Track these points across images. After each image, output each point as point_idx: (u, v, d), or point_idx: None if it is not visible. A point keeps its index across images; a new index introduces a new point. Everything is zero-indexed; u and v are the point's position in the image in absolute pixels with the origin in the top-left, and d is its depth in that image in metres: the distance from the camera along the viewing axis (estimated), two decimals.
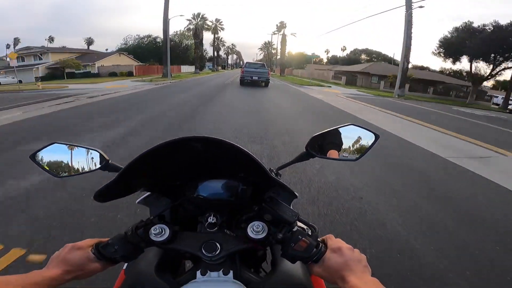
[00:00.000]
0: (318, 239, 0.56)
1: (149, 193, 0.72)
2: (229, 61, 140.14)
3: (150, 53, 48.25)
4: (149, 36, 51.70)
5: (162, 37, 31.89)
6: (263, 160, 3.54)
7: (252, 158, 0.54)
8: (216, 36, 66.61)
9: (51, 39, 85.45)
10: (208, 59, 70.57)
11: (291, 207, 0.62)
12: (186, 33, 50.79)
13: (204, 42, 55.46)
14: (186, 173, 0.68)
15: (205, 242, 0.58)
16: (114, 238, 0.57)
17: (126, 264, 0.68)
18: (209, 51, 67.58)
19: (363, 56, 78.21)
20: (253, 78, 18.06)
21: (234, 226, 0.64)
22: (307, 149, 0.73)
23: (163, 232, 0.57)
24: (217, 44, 71.64)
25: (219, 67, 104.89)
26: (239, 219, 0.64)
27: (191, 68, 51.63)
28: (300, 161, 0.76)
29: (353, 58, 74.55)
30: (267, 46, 79.43)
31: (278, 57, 65.00)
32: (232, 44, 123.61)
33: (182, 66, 48.58)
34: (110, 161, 0.71)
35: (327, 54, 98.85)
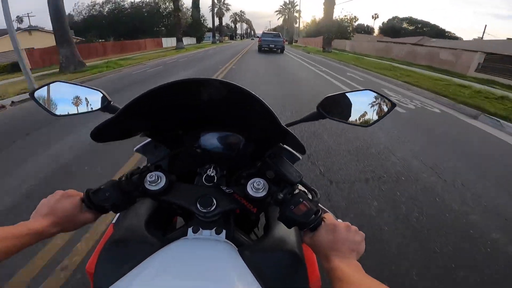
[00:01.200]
0: (320, 206, 0.54)
1: (148, 140, 0.71)
2: (238, 31, 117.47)
3: (111, 26, 33.64)
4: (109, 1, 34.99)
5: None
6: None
7: (266, 108, 0.50)
8: None
9: None
10: (210, 29, 53.16)
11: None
12: None
13: (202, 7, 44.93)
14: (188, 122, 0.67)
15: (201, 196, 0.57)
16: (106, 184, 0.55)
17: (116, 217, 0.66)
18: (208, 19, 49.50)
19: (405, 26, 59.81)
20: (270, 46, 20.10)
21: (233, 182, 0.62)
22: (319, 109, 0.69)
23: (159, 180, 0.55)
24: (218, 8, 51.98)
25: (226, 38, 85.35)
26: (239, 175, 0.61)
27: (187, 40, 39.63)
28: (310, 121, 0.71)
29: (397, 27, 57.27)
30: (287, 7, 58.86)
31: (302, 21, 48.01)
32: (240, 11, 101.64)
33: (166, 39, 34.25)
34: (112, 102, 0.67)
35: (374, 19, 76.13)
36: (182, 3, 37.03)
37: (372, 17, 73.16)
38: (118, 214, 0.68)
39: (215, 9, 53.84)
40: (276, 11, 65.29)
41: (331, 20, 20.72)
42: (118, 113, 0.52)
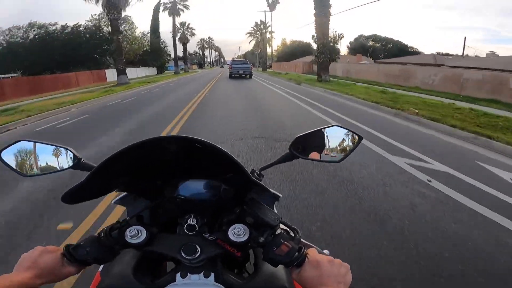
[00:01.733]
0: (301, 243, 0.57)
1: (125, 193, 0.71)
2: (208, 58, 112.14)
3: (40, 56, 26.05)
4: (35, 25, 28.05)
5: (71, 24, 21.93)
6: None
7: (231, 159, 0.53)
8: (179, 21, 45.65)
9: None
10: (179, 58, 48.10)
11: (274, 209, 0.63)
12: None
13: (164, 32, 41.36)
14: (165, 173, 0.68)
15: (184, 244, 0.58)
16: (85, 240, 0.55)
17: (102, 266, 0.66)
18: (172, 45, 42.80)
19: (371, 43, 59.42)
20: (239, 72, 22.66)
21: (216, 229, 0.63)
22: (291, 150, 0.73)
23: (139, 234, 0.56)
24: (182, 33, 45.68)
25: (194, 66, 79.43)
26: (221, 221, 0.63)
27: (144, 71, 35.71)
28: (284, 162, 0.75)
29: (366, 46, 56.61)
30: (259, 28, 53.87)
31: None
32: (209, 37, 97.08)
33: (112, 71, 26.77)
34: (82, 160, 0.68)
35: (340, 39, 72.77)
36: (132, 26, 29.94)
37: (338, 37, 73.76)
38: None
39: (178, 35, 46.83)
40: (248, 33, 57.37)
41: (327, 37, 16.45)
42: (89, 176, 0.53)
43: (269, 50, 54.10)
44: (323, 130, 0.72)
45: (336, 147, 0.75)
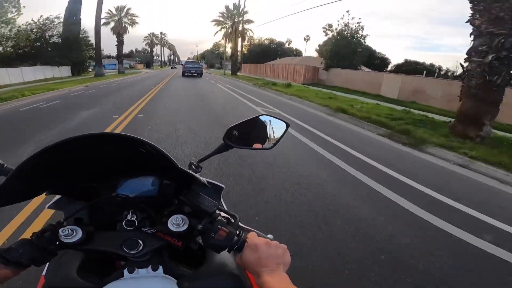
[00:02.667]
0: (241, 228, 0.61)
1: (59, 196, 0.71)
2: (162, 57, 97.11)
3: None
4: None
5: None
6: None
7: (162, 153, 0.54)
8: (114, 3, 36.30)
9: None
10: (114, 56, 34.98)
11: (221, 200, 0.69)
12: None
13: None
14: (100, 173, 0.67)
15: (124, 240, 0.59)
16: (17, 243, 0.55)
17: (46, 267, 0.68)
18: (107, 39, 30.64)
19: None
20: (191, 71, 26.51)
21: (157, 222, 0.64)
22: (225, 140, 0.77)
23: (74, 233, 0.56)
24: (117, 20, 32.24)
25: (140, 65, 65.17)
26: (162, 214, 0.64)
27: (47, 72, 24.98)
28: (219, 153, 0.80)
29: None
30: (230, 15, 37.70)
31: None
32: (161, 33, 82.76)
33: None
34: (5, 165, 0.69)
35: (306, 42, 68.14)
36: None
37: (304, 39, 69.07)
38: (47, 264, 0.67)
39: (111, 23, 33.43)
40: (214, 20, 38.62)
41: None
42: (9, 177, 0.50)
43: (245, 44, 45.05)
44: (253, 119, 0.79)
45: (266, 134, 0.81)
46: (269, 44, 56.14)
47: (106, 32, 34.73)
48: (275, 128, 0.81)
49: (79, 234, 0.57)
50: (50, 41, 26.41)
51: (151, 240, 0.60)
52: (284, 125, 0.82)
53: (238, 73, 34.55)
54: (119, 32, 35.56)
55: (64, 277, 0.62)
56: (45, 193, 0.66)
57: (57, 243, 0.56)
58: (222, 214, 0.65)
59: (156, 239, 0.60)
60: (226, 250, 0.58)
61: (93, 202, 0.65)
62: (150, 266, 0.61)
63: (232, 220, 0.63)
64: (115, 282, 0.58)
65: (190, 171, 0.62)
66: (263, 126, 0.81)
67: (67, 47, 25.67)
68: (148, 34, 79.56)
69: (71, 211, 0.66)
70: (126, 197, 0.65)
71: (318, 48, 31.88)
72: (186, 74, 26.53)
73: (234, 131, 0.79)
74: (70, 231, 0.56)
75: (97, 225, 0.63)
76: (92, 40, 28.31)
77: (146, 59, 78.47)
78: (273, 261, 0.54)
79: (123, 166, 0.66)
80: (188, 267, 0.69)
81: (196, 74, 26.43)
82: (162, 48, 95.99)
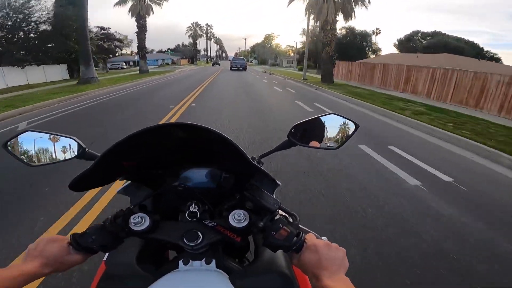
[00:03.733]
0: (299, 228, 0.62)
1: (129, 182, 0.78)
2: (205, 52, 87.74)
3: None
4: None
5: None
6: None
7: (233, 145, 0.59)
8: None
9: None
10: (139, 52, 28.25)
11: (274, 195, 0.69)
12: None
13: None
14: (167, 161, 0.74)
15: (186, 231, 0.63)
16: (91, 228, 0.61)
17: (107, 254, 0.73)
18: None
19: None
20: (237, 66, 33.84)
21: (216, 215, 0.70)
22: (289, 137, 0.79)
23: (143, 221, 0.61)
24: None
25: (183, 61, 56.75)
26: (222, 208, 0.69)
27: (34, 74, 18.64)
28: (282, 149, 0.82)
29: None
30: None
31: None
32: (206, 24, 73.44)
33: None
34: (87, 149, 0.74)
35: (375, 35, 55.60)
36: None
37: (373, 32, 53.68)
38: None
39: (129, 2, 22.59)
40: None
41: None
42: (96, 163, 0.58)
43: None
44: (320, 118, 0.79)
45: (333, 135, 0.80)
46: (347, 34, 41.44)
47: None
48: (343, 128, 0.80)
49: (147, 222, 0.60)
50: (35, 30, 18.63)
51: (211, 233, 0.63)
52: (353, 126, 0.80)
53: (339, 82, 18.76)
54: (139, 13, 24.97)
55: (124, 264, 0.67)
56: (119, 179, 0.73)
57: (126, 230, 0.61)
58: (281, 212, 0.67)
59: (215, 232, 0.63)
60: (282, 249, 0.59)
61: (159, 191, 0.73)
62: (204, 259, 0.64)
63: (291, 220, 0.64)
64: (171, 273, 0.61)
65: (262, 167, 0.65)
66: (330, 125, 0.80)
67: (60, 39, 18.38)
68: (191, 24, 70.32)
69: (137, 197, 0.75)
70: (187, 187, 0.72)
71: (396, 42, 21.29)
72: (233, 68, 34.14)
73: (299, 129, 0.79)
74: (140, 219, 0.60)
75: (159, 212, 0.68)
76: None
77: (190, 54, 69.20)
78: (334, 264, 0.55)
79: (186, 156, 0.72)
80: (235, 261, 0.73)
81: (242, 69, 33.80)
82: (209, 41, 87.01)
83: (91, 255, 0.60)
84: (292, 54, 61.94)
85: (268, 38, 76.72)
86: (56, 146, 0.72)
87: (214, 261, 0.63)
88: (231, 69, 34.02)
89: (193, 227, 0.63)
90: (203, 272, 0.62)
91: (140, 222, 0.60)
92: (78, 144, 0.73)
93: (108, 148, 0.55)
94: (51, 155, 0.73)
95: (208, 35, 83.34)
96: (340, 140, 0.79)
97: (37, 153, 0.72)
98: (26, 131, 0.72)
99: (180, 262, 0.63)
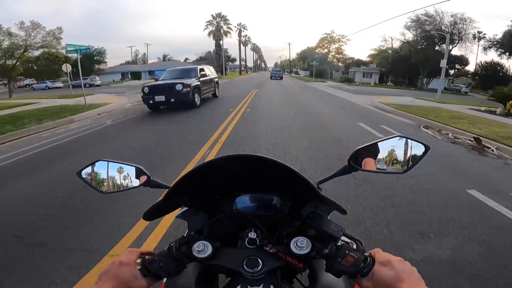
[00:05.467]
0: (365, 254, 0.66)
1: (186, 208, 0.86)
2: (238, 61, 70.09)
3: None
4: None
5: None
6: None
7: (298, 175, 0.64)
8: None
9: None
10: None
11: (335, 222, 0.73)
12: None
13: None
14: (224, 188, 0.81)
15: (246, 258, 0.67)
16: (159, 255, 0.69)
17: (165, 278, 0.81)
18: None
19: None
20: (276, 76, 46.91)
21: (275, 241, 0.75)
22: (350, 162, 0.79)
23: (206, 249, 0.67)
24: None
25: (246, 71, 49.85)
26: (280, 234, 0.74)
27: None
28: (342, 175, 0.83)
29: None
30: None
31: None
32: (239, 24, 56.69)
33: None
34: (151, 178, 0.83)
35: (477, 41, 38.94)
36: None
37: (474, 37, 39.01)
38: None
39: None
40: None
41: None
42: (167, 194, 0.69)
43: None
44: (384, 141, 0.79)
45: (400, 158, 0.78)
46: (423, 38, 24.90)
47: None
48: (412, 152, 0.77)
49: (209, 250, 0.66)
50: None
51: (271, 259, 0.67)
52: (423, 147, 0.78)
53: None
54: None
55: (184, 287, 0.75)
56: (181, 206, 0.84)
57: (190, 256, 0.68)
58: (343, 238, 0.70)
59: (276, 259, 0.68)
60: (348, 275, 0.63)
61: (216, 219, 0.79)
62: (261, 285, 0.66)
63: (355, 246, 0.67)
64: None
65: (331, 199, 0.70)
66: (396, 147, 0.77)
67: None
68: (213, 15, 50.96)
69: (194, 222, 0.81)
70: (244, 213, 0.77)
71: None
72: (272, 77, 46.12)
73: (361, 153, 0.79)
74: (203, 246, 0.66)
75: (216, 237, 0.75)
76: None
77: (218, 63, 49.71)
78: (413, 276, 0.56)
79: (242, 181, 0.78)
80: (292, 286, 0.78)
81: (278, 78, 45.68)
82: (244, 47, 69.93)
83: (157, 281, 0.67)
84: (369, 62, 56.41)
85: (325, 41, 57.00)
86: (123, 175, 0.81)
87: (272, 287, 0.65)
88: (271, 78, 45.69)
89: (253, 254, 0.67)
90: None
91: (203, 249, 0.65)
92: (143, 172, 0.81)
93: (178, 179, 0.66)
94: (119, 183, 0.82)
95: (244, 39, 66.23)
96: (407, 163, 0.77)
97: (107, 181, 0.82)
98: (98, 160, 0.83)
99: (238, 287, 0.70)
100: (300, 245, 0.64)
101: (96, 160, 0.81)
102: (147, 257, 0.68)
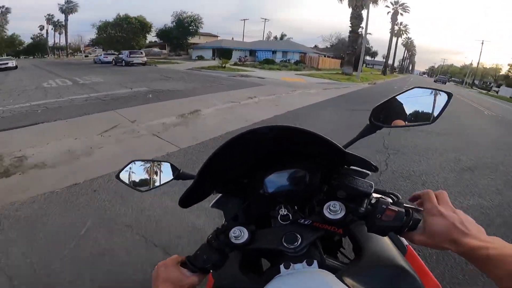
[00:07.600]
0: (405, 205, 0.62)
1: (220, 195, 0.90)
2: (384, 56, 56.20)
3: None
4: None
5: None
6: None
7: (324, 139, 0.63)
8: None
9: None
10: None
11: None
12: None
13: None
14: (251, 169, 0.81)
15: (283, 235, 0.67)
16: (200, 249, 0.69)
17: (211, 271, 0.83)
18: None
19: None
20: (440, 81, 50.79)
21: (308, 213, 0.75)
22: (371, 120, 0.79)
23: (242, 234, 0.68)
24: None
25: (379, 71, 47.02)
26: (311, 205, 0.74)
27: None
28: (366, 135, 0.83)
29: None
30: None
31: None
32: (400, 21, 42.01)
33: None
34: (181, 170, 0.90)
35: None
36: None
37: None
38: None
39: None
40: None
41: None
42: (195, 181, 0.70)
43: None
44: (401, 94, 0.78)
45: (422, 109, 0.77)
46: None
47: None
48: (434, 101, 0.76)
49: (245, 234, 0.66)
50: None
51: (309, 232, 0.67)
52: (445, 95, 0.76)
53: None
54: None
55: (231, 276, 0.73)
56: (213, 192, 0.85)
57: (230, 245, 0.68)
58: (375, 195, 0.67)
59: (313, 230, 0.67)
60: (395, 231, 0.60)
61: (249, 202, 0.80)
62: (305, 261, 0.66)
63: (391, 201, 0.63)
64: (277, 279, 0.64)
65: (360, 156, 0.68)
66: (416, 99, 0.77)
67: None
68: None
69: (229, 209, 0.84)
70: (275, 192, 0.75)
71: None
72: (436, 81, 48.90)
73: (380, 110, 0.79)
74: (239, 232, 0.66)
75: (252, 221, 0.75)
76: None
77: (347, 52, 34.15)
78: (474, 225, 0.52)
79: (268, 161, 0.77)
80: (336, 259, 0.76)
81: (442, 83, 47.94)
82: (396, 38, 53.46)
83: (205, 275, 0.69)
84: None
85: None
86: (155, 171, 0.89)
87: (315, 261, 0.65)
88: (434, 82, 48.39)
89: (289, 230, 0.67)
90: (308, 273, 0.63)
91: (239, 235, 0.66)
92: (173, 166, 0.88)
93: (203, 164, 0.66)
94: (153, 180, 0.89)
95: (398, 27, 49.74)
96: (432, 112, 0.76)
97: (143, 179, 0.90)
98: (132, 161, 0.91)
99: (281, 266, 0.66)
100: (333, 208, 0.62)
101: (130, 161, 0.90)
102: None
